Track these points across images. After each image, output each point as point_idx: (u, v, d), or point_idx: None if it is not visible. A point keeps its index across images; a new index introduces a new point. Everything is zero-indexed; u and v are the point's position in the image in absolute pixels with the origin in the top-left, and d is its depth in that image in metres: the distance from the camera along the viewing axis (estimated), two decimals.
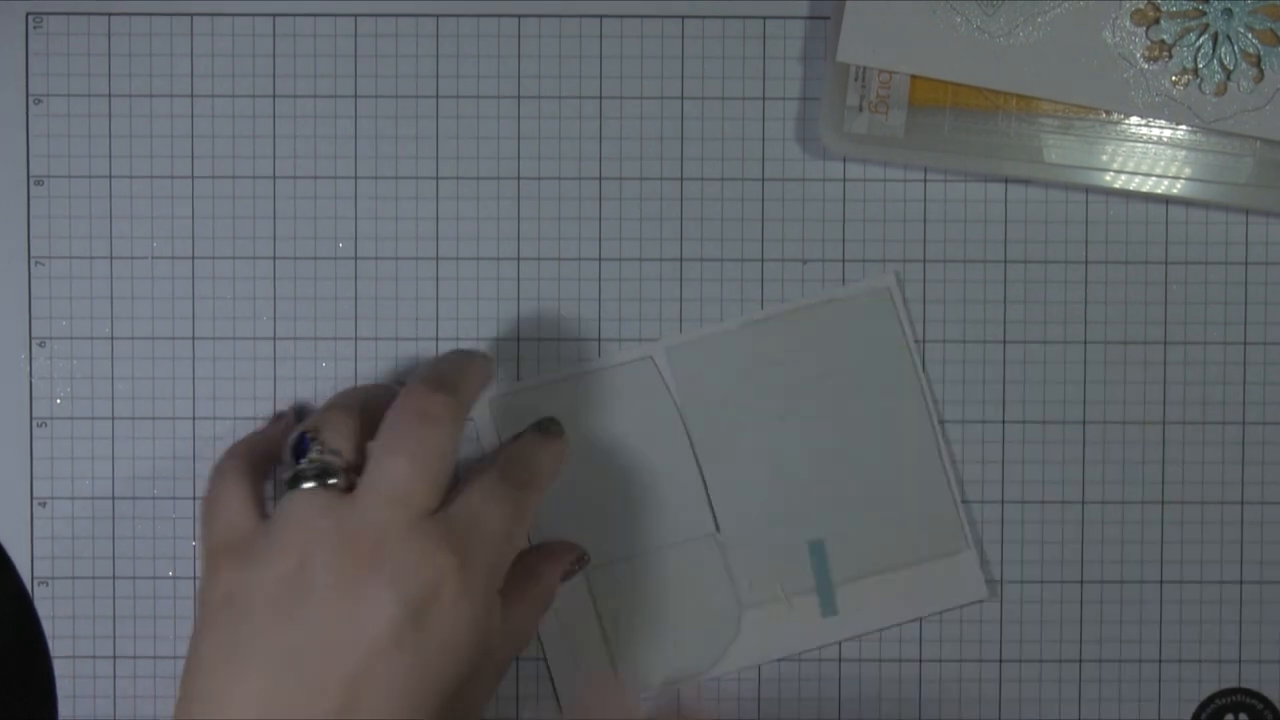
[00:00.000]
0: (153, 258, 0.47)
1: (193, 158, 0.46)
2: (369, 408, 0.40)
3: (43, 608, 0.47)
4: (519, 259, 0.47)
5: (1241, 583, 0.47)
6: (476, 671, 0.38)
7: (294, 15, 0.46)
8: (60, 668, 0.47)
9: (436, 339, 0.46)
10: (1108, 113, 0.45)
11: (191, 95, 0.46)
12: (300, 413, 0.46)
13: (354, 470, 0.38)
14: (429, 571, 0.36)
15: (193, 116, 0.46)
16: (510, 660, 0.43)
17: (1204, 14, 0.44)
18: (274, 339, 0.46)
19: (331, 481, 0.38)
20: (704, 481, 0.46)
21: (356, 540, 0.36)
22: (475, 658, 0.37)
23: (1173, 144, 0.45)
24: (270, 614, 0.36)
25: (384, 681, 0.36)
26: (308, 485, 0.38)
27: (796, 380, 0.46)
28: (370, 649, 0.35)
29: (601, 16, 0.46)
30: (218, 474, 0.41)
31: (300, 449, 0.39)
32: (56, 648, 0.47)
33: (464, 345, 0.46)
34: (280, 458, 0.41)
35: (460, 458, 0.42)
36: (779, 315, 0.46)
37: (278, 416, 0.46)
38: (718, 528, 0.46)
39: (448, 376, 0.40)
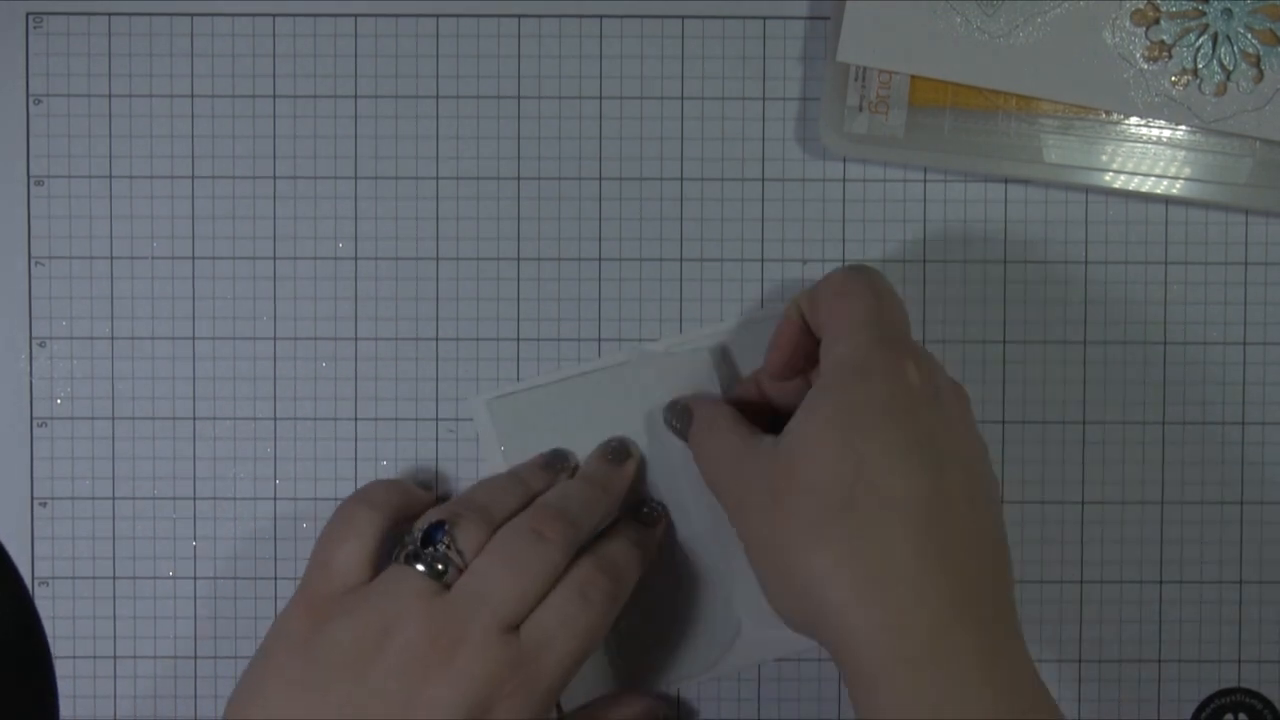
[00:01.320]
0: (153, 258, 0.47)
1: (193, 158, 0.46)
2: (505, 508, 0.42)
3: (43, 608, 0.47)
4: (519, 259, 0.47)
5: (1241, 583, 0.47)
6: None
7: (294, 15, 0.46)
8: (60, 668, 0.47)
9: (436, 339, 0.46)
10: (1108, 113, 0.45)
11: (191, 95, 0.46)
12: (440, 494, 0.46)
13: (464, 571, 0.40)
14: (493, 687, 0.38)
15: (193, 116, 0.46)
16: None
17: (1204, 14, 0.44)
18: (274, 339, 0.46)
19: (442, 572, 0.39)
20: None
21: (440, 632, 0.38)
22: None
23: (1173, 144, 0.45)
24: (340, 671, 0.38)
25: None
26: (420, 568, 0.40)
27: None
28: None
29: (601, 16, 0.46)
30: (350, 515, 0.42)
31: (430, 536, 0.40)
32: (56, 648, 0.47)
33: (463, 345, 0.46)
34: (412, 524, 0.42)
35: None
36: (775, 315, 0.46)
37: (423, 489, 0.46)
38: (715, 529, 0.46)
39: (573, 507, 0.42)
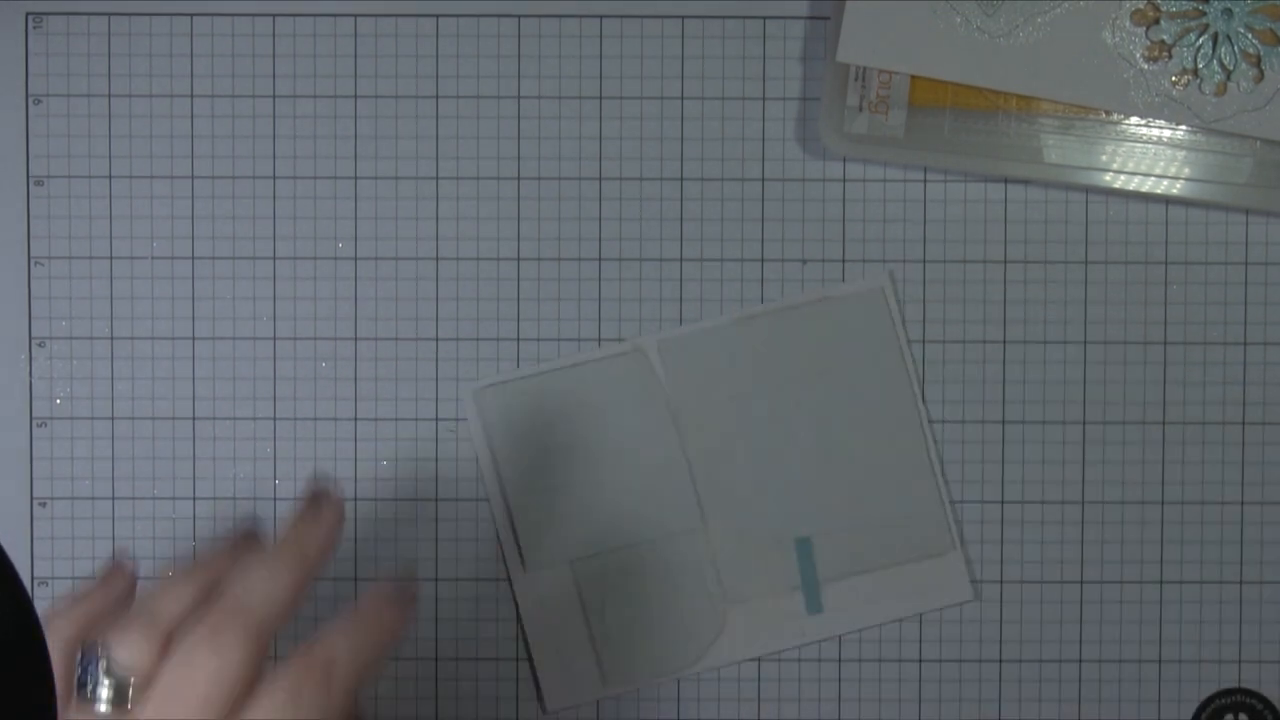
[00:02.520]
0: (153, 258, 0.47)
1: (193, 158, 0.46)
2: (176, 606, 0.37)
3: (43, 607, 0.47)
4: (519, 259, 0.47)
5: (1241, 583, 0.47)
6: None
7: (294, 15, 0.46)
8: None
9: (436, 339, 0.46)
10: (1108, 113, 0.45)
11: (191, 95, 0.46)
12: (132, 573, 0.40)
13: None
14: None
15: (193, 116, 0.46)
16: None
17: (1204, 14, 0.44)
18: (274, 339, 0.46)
19: (121, 699, 0.35)
20: (692, 476, 0.46)
21: None
22: None
23: (1173, 144, 0.45)
24: None
25: None
26: (99, 705, 0.35)
27: (788, 377, 0.46)
28: None
29: (601, 16, 0.46)
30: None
31: (85, 666, 0.36)
32: None
33: (463, 345, 0.46)
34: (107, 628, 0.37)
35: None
36: (772, 312, 0.46)
37: (110, 574, 0.39)
38: (704, 523, 0.46)
39: (254, 595, 0.37)
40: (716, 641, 0.46)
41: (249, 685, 0.36)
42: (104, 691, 0.35)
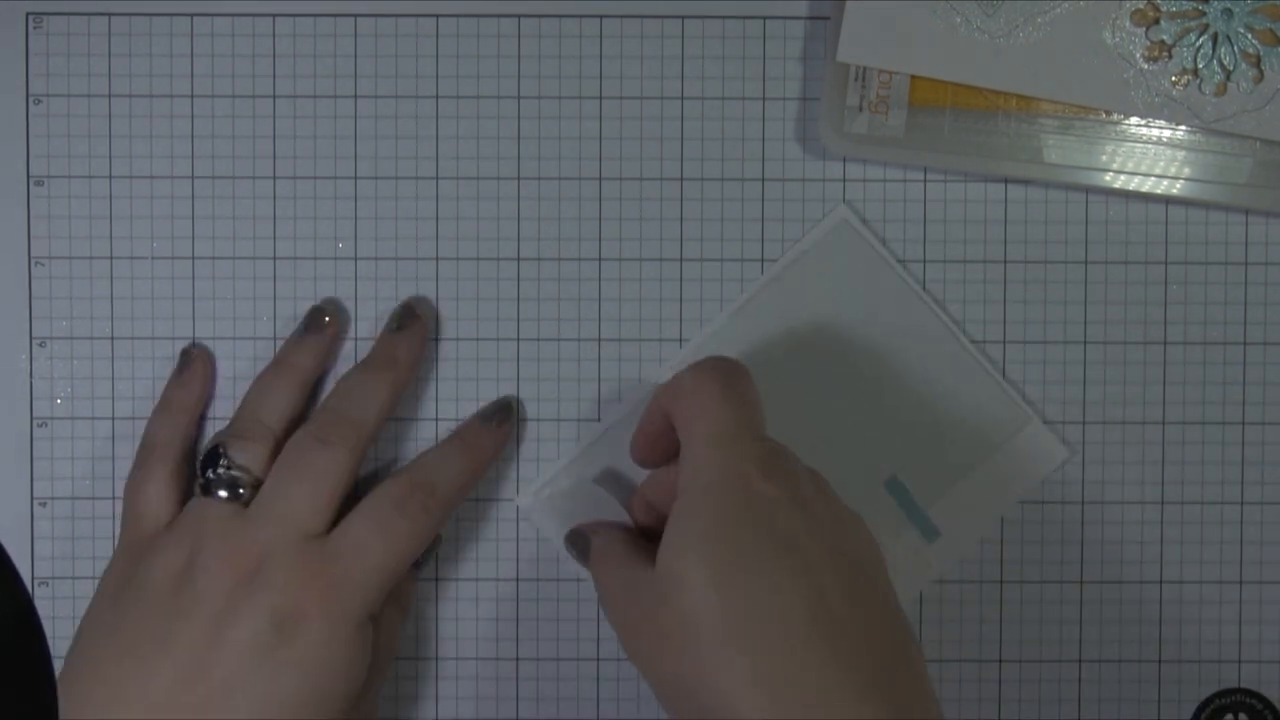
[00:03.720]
0: (153, 258, 0.47)
1: (193, 158, 0.46)
2: (278, 411, 0.43)
3: (43, 608, 0.47)
4: (519, 259, 0.47)
5: (1241, 583, 0.47)
6: (352, 687, 0.40)
7: (294, 15, 0.46)
8: (60, 668, 0.47)
9: (437, 339, 0.46)
10: (1108, 113, 0.45)
11: (191, 95, 0.46)
12: (207, 371, 0.46)
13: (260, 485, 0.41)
14: (299, 593, 0.39)
15: (193, 116, 0.46)
16: (386, 670, 0.44)
17: (1204, 14, 0.44)
18: (274, 339, 0.46)
19: (238, 494, 0.41)
20: None
21: (240, 553, 0.39)
22: (346, 677, 0.40)
23: (1173, 144, 0.45)
24: (151, 605, 0.39)
25: (246, 686, 0.38)
26: (221, 494, 0.41)
27: (804, 341, 0.46)
28: (233, 654, 0.38)
29: (601, 16, 0.46)
30: (140, 461, 0.43)
31: (209, 462, 0.42)
32: (56, 648, 0.47)
33: (463, 345, 0.46)
34: (191, 433, 0.45)
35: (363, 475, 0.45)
36: (760, 293, 0.46)
37: (184, 371, 0.46)
38: None
39: (353, 405, 0.43)
40: None
41: (350, 490, 0.41)
42: (224, 491, 0.41)
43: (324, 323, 0.45)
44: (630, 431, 0.44)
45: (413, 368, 0.45)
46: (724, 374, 0.40)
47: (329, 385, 0.45)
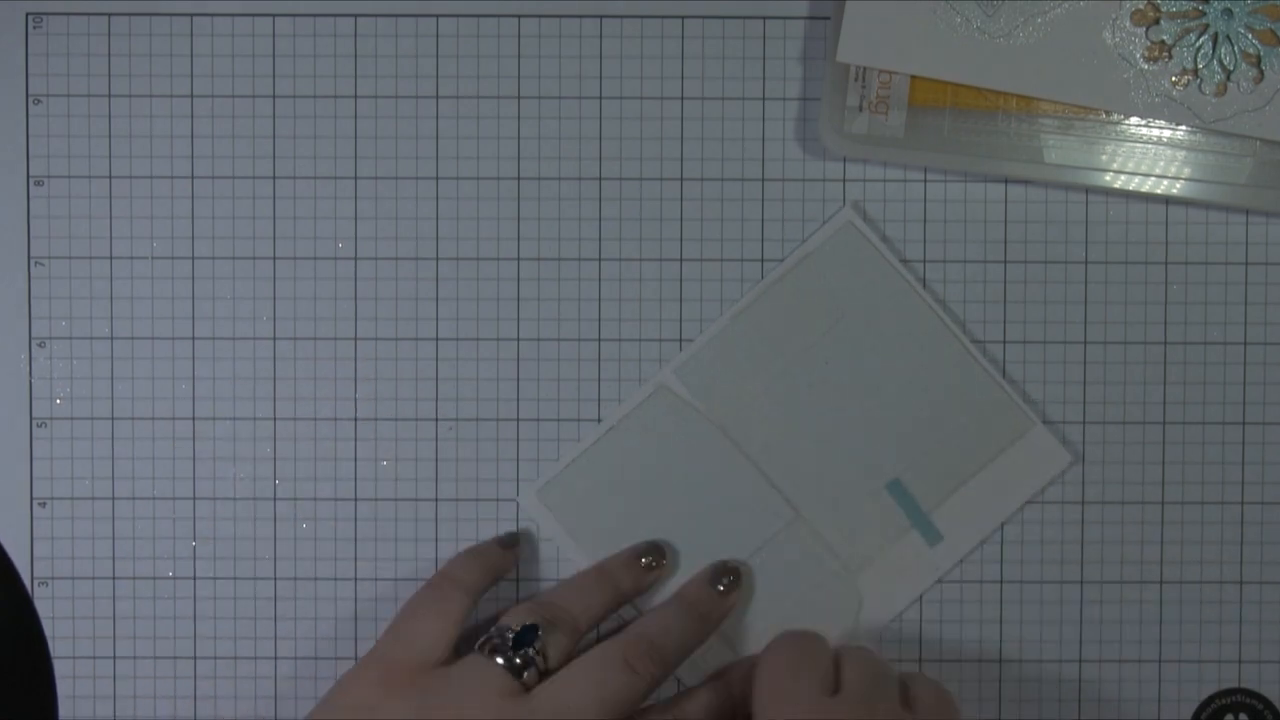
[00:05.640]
0: (153, 258, 0.47)
1: (193, 158, 0.46)
2: (592, 615, 0.43)
3: (43, 608, 0.47)
4: (519, 259, 0.47)
5: (1241, 583, 0.47)
6: None
7: (294, 15, 0.46)
8: (60, 668, 0.47)
9: (436, 339, 0.46)
10: (1108, 113, 0.45)
11: (191, 95, 0.46)
12: (516, 540, 0.46)
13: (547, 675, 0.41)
14: None
15: (193, 116, 0.46)
16: None
17: (1204, 14, 0.44)
18: (274, 339, 0.46)
19: (522, 672, 0.40)
20: (765, 474, 0.46)
21: None
22: None
23: (1173, 144, 0.45)
24: None
25: None
26: (500, 662, 0.41)
27: (807, 343, 0.46)
28: None
29: (601, 17, 0.46)
30: (440, 592, 0.43)
31: (523, 638, 0.41)
32: (56, 648, 0.47)
33: (463, 345, 0.46)
34: (498, 616, 0.44)
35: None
36: (764, 293, 0.46)
37: (508, 541, 0.46)
38: (797, 510, 0.46)
39: (670, 643, 0.42)
40: (863, 611, 0.46)
41: (634, 708, 0.41)
42: (516, 664, 0.41)
43: (658, 562, 0.45)
44: (631, 432, 0.44)
45: (716, 629, 0.45)
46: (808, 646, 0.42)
47: None
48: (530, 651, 0.41)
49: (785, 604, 0.46)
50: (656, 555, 0.45)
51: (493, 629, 0.42)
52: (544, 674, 0.41)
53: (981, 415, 0.46)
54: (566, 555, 0.46)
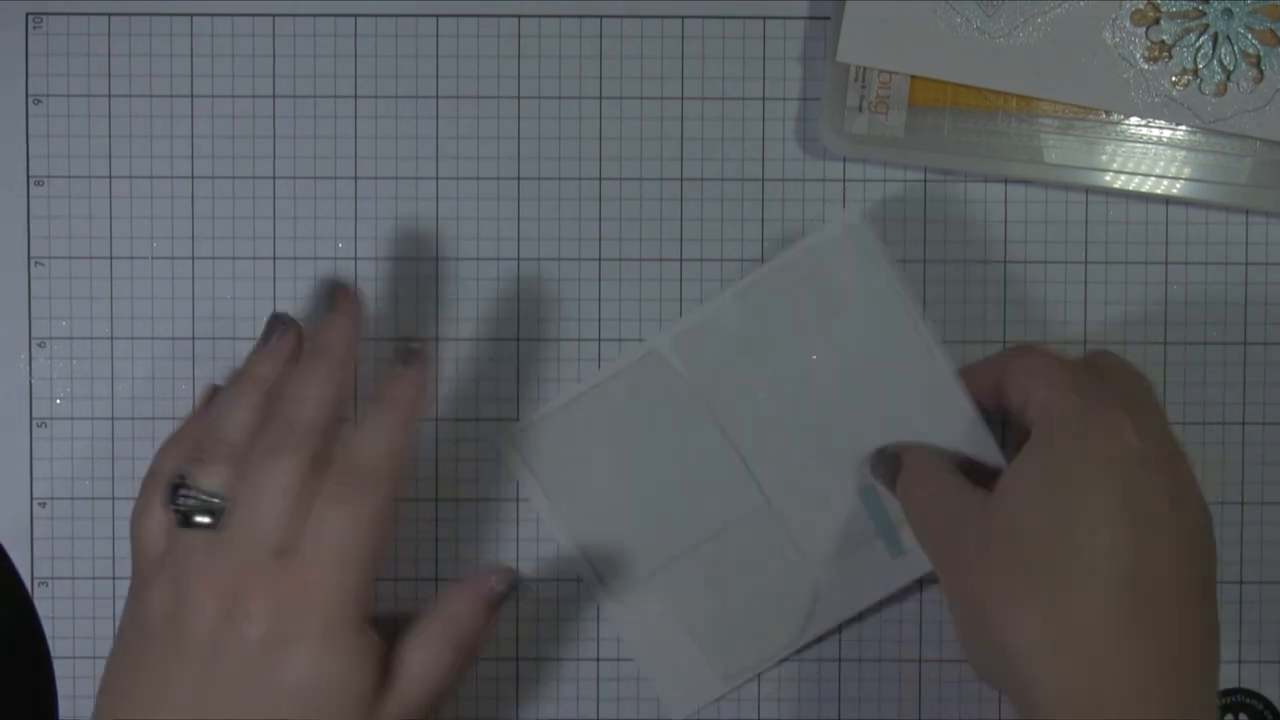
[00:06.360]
0: (153, 258, 0.47)
1: (193, 158, 0.46)
2: (241, 425, 0.40)
3: (43, 608, 0.47)
4: (519, 259, 0.47)
5: (1241, 583, 0.47)
6: (364, 691, 0.38)
7: (294, 15, 0.46)
8: (60, 668, 0.47)
9: (436, 339, 0.46)
10: (1108, 113, 0.45)
11: (191, 95, 0.46)
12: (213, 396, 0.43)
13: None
14: (281, 616, 0.38)
15: (193, 116, 0.46)
16: (426, 708, 0.41)
17: (1204, 14, 0.44)
18: None
19: (215, 519, 0.39)
20: (741, 456, 0.45)
21: (218, 584, 0.38)
22: (353, 685, 0.38)
23: (1173, 144, 0.45)
24: (151, 643, 0.38)
25: (246, 714, 0.37)
26: (201, 520, 0.39)
27: (799, 336, 0.45)
28: (229, 688, 0.37)
29: (601, 17, 0.46)
30: (143, 489, 0.41)
31: (173, 495, 0.39)
32: (56, 648, 0.47)
33: (463, 345, 0.46)
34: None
35: None
36: (765, 277, 0.45)
37: (203, 408, 0.43)
38: (766, 497, 0.46)
39: (293, 405, 0.40)
40: (816, 608, 0.46)
41: (305, 491, 0.39)
42: (203, 518, 0.39)
43: (284, 331, 0.42)
44: (616, 391, 0.44)
45: (348, 349, 0.41)
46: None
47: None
48: (189, 501, 0.39)
49: (738, 586, 0.46)
50: (283, 327, 0.42)
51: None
52: (218, 512, 0.38)
53: (950, 438, 0.45)
54: (535, 504, 0.46)
